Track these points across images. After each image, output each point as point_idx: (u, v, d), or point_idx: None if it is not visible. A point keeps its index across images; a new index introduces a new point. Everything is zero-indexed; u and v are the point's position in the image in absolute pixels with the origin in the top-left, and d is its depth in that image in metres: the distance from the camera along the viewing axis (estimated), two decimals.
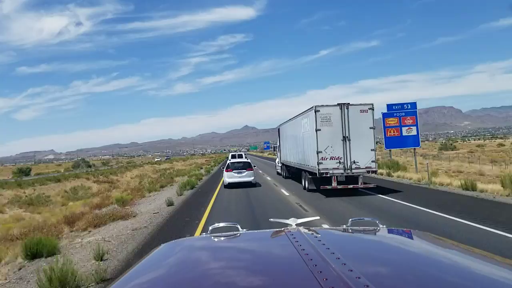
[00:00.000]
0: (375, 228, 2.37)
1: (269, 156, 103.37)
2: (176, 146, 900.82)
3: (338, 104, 18.00)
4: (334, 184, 17.86)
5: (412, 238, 2.24)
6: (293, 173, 27.71)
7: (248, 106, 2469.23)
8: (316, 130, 17.77)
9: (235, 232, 2.45)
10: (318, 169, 17.74)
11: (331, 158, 17.77)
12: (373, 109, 17.96)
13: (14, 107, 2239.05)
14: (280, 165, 32.62)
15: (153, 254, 2.07)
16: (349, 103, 18.00)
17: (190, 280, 1.61)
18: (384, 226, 2.42)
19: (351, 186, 18.00)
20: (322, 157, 17.75)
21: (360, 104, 18.10)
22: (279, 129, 31.66)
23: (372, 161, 17.82)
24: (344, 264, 1.47)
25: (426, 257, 1.88)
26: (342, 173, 17.84)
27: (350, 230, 2.40)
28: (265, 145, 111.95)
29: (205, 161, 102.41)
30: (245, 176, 24.30)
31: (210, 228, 2.64)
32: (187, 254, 2.07)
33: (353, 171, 17.79)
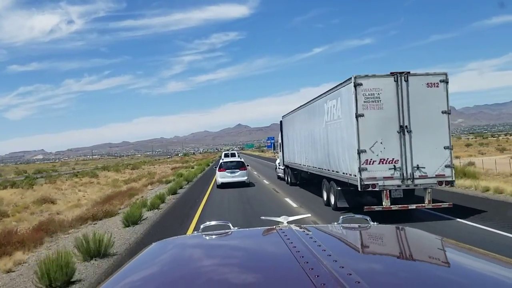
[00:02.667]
0: (366, 225, 2.37)
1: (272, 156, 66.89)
2: (168, 145, 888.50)
3: (392, 74, 11.16)
4: (386, 202, 11.03)
5: (403, 235, 2.19)
6: (302, 178, 20.92)
7: (241, 104, 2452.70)
8: (357, 116, 10.93)
9: (226, 230, 2.42)
10: (361, 179, 10.90)
11: (381, 162, 10.95)
12: (447, 82, 11.16)
13: (4, 106, 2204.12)
14: (282, 167, 25.70)
15: (144, 253, 2.02)
16: (409, 72, 11.18)
17: (181, 278, 1.58)
18: (375, 223, 2.40)
19: (413, 207, 11.19)
20: (367, 160, 10.92)
21: (427, 74, 11.29)
22: (281, 122, 24.81)
23: (446, 166, 11.03)
24: (336, 261, 1.45)
25: (417, 253, 1.89)
26: (399, 186, 11.03)
27: (341, 227, 2.37)
28: (268, 141, 72.64)
29: (172, 170, 53.38)
30: (238, 176, 23.52)
31: (202, 226, 2.56)
32: (179, 253, 2.05)
33: (416, 181, 11.00)
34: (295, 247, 1.67)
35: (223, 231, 2.41)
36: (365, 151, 10.90)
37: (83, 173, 58.29)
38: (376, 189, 10.96)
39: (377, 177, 10.93)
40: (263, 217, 3.66)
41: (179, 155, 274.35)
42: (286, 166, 24.05)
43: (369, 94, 10.97)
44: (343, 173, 12.25)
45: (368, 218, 2.52)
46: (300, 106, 18.71)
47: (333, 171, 13.35)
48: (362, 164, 10.90)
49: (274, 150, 34.45)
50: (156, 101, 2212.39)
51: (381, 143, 10.93)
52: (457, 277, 1.48)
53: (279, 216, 3.17)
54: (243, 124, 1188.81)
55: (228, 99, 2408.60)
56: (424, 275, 1.51)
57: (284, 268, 1.56)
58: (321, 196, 15.26)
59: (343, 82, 11.91)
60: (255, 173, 32.33)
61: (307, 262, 1.44)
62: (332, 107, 13.14)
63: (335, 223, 2.51)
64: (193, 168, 53.26)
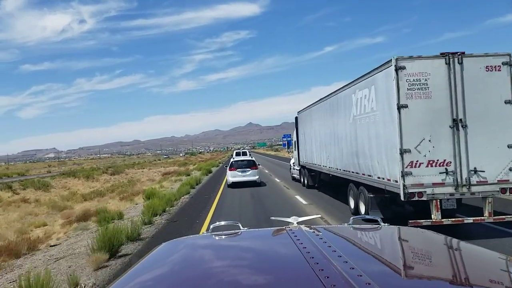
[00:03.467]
0: (377, 226, 2.35)
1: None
2: (178, 144, 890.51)
3: (443, 55, 8.97)
4: (435, 215, 8.85)
5: (413, 236, 2.21)
6: (321, 181, 18.81)
7: (252, 103, 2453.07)
8: (399, 108, 8.78)
9: (236, 231, 2.40)
10: (404, 186, 8.74)
11: (430, 164, 8.79)
12: (511, 65, 8.95)
13: (17, 105, 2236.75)
14: (298, 168, 23.57)
15: (154, 253, 2.01)
16: (463, 52, 8.99)
17: (191, 278, 1.57)
18: (386, 224, 2.38)
19: (470, 221, 9.00)
20: (412, 162, 8.76)
21: (486, 55, 9.06)
22: (297, 118, 22.68)
23: (511, 169, 8.82)
24: (346, 262, 1.43)
25: (427, 254, 1.88)
26: (451, 194, 8.86)
27: (351, 228, 2.34)
28: (284, 139, 55.39)
29: (163, 176, 40.43)
30: (250, 175, 22.80)
31: (211, 226, 2.54)
32: (189, 253, 2.04)
33: (474, 189, 8.81)
34: (305, 247, 1.65)
35: (232, 231, 2.39)
36: (410, 151, 8.75)
37: (29, 182, 37.57)
38: (424, 198, 8.79)
39: (425, 183, 8.76)
40: (272, 218, 3.71)
41: (181, 155, 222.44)
42: (302, 167, 21.92)
43: (414, 80, 8.81)
44: (378, 177, 10.10)
45: (379, 219, 2.51)
46: (320, 99, 16.54)
47: (363, 174, 11.20)
48: (406, 167, 8.74)
49: (288, 148, 32.25)
50: (167, 100, 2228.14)
51: (430, 140, 8.77)
52: (468, 279, 1.47)
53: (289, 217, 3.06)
54: (254, 123, 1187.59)
55: (239, 98, 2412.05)
56: (435, 276, 1.50)
57: (294, 269, 1.54)
58: (347, 203, 13.13)
59: (379, 67, 9.76)
60: (286, 187, 29.71)
61: (317, 263, 1.43)
62: (363, 98, 10.98)
63: (345, 224, 2.51)
64: (188, 175, 34.97)
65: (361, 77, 11.18)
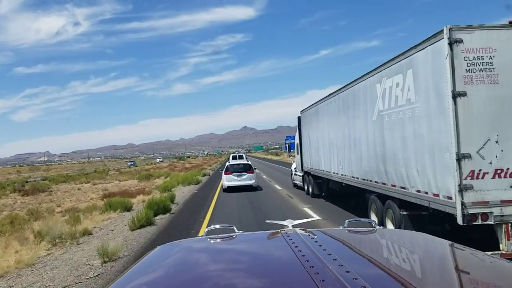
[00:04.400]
0: (372, 229, 2.35)
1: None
2: (173, 148, 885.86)
3: None
4: (506, 244, 6.43)
5: (408, 239, 2.18)
6: (330, 190, 16.32)
7: (247, 107, 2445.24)
8: (455, 96, 6.39)
9: (231, 234, 2.36)
10: (463, 205, 6.33)
11: (497, 174, 6.39)
12: None
13: (11, 108, 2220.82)
14: (301, 174, 21.11)
15: (149, 256, 1.96)
16: None
17: (186, 281, 1.55)
18: (381, 227, 2.42)
19: None
20: (473, 171, 6.36)
21: None
22: (300, 118, 20.31)
23: None
24: (341, 265, 1.41)
25: (422, 257, 1.85)
26: None
27: (346, 231, 2.32)
28: (286, 141, 42.99)
29: (103, 199, 20.96)
30: (246, 179, 22.48)
31: (206, 230, 2.57)
32: (183, 256, 2.01)
33: None
34: (300, 251, 1.63)
35: (227, 234, 2.32)
36: (470, 156, 6.35)
37: None
38: (490, 221, 6.39)
39: (490, 201, 6.36)
40: (268, 221, 3.83)
41: (158, 160, 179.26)
42: (306, 173, 19.47)
43: (474, 58, 6.43)
44: (418, 191, 7.69)
45: (374, 222, 2.54)
46: (330, 94, 14.11)
47: (393, 186, 8.78)
48: (465, 179, 6.33)
49: (289, 152, 29.89)
50: (162, 103, 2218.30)
51: (497, 142, 6.38)
52: (463, 282, 1.46)
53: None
54: (249, 127, 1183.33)
55: (234, 102, 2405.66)
56: (429, 280, 1.49)
57: (289, 272, 1.51)
58: (367, 217, 10.70)
59: (421, 43, 7.37)
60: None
61: (312, 267, 1.40)
62: (393, 87, 8.58)
63: (341, 227, 2.46)
64: (129, 210, 17.06)
65: (390, 60, 8.79)
